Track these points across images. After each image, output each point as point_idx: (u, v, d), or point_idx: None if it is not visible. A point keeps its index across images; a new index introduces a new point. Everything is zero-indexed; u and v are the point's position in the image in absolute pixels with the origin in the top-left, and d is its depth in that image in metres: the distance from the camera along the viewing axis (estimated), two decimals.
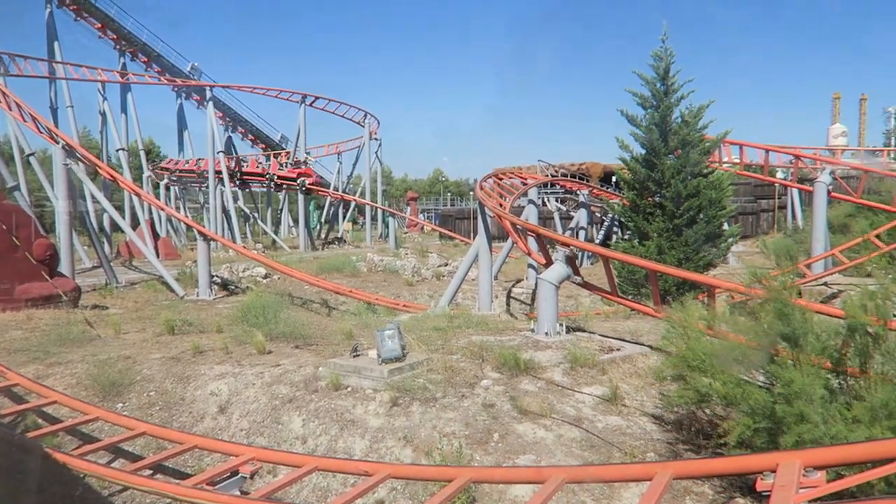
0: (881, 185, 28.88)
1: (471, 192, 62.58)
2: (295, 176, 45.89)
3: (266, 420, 9.15)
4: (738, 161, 30.88)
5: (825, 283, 22.28)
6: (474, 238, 22.02)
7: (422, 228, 61.21)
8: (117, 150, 45.58)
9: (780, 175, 35.71)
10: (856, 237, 22.98)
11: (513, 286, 25.40)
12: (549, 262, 12.69)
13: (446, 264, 31.02)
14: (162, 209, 35.64)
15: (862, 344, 6.25)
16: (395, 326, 9.78)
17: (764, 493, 4.04)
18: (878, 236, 20.95)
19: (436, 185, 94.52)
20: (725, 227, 20.06)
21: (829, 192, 25.13)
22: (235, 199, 48.34)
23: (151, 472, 8.15)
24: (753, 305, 7.20)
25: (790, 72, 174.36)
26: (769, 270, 7.08)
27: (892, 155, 46.96)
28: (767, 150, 29.73)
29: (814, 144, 52.59)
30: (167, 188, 49.78)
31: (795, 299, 6.53)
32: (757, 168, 31.66)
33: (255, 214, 54.34)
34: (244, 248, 29.40)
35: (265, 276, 25.74)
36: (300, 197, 45.78)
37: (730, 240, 19.11)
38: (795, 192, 35.57)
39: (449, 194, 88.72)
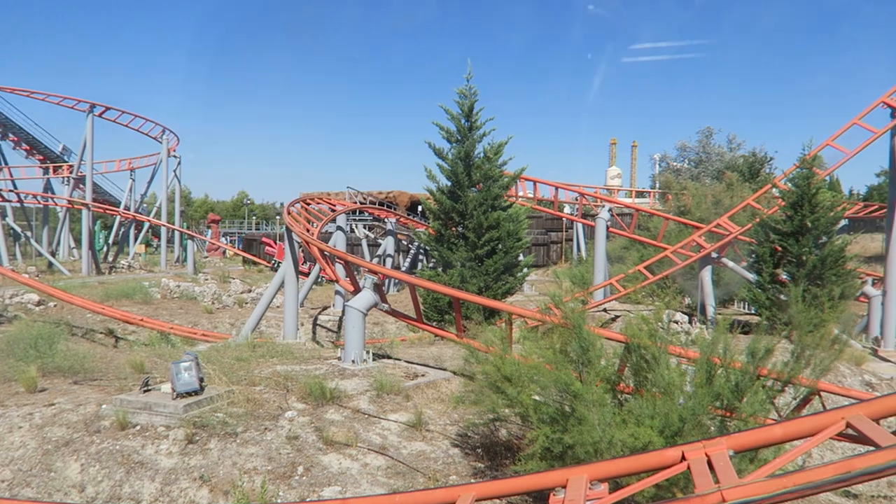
0: (649, 222, 32.90)
1: (277, 217, 60.91)
2: None
3: (35, 468, 8.01)
4: (532, 196, 33.42)
5: (604, 310, 24.77)
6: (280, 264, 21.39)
7: (224, 253, 58.18)
8: None
9: (567, 210, 39.23)
10: (629, 268, 25.89)
11: (319, 313, 24.99)
12: (356, 289, 12.69)
13: (250, 290, 29.75)
14: None
15: (636, 362, 7.01)
16: (192, 357, 9.13)
17: None
18: (647, 267, 23.76)
19: (240, 208, 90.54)
20: (521, 257, 21.51)
21: (607, 227, 28.13)
22: (3, 216, 42.29)
23: None
24: (549, 329, 7.77)
25: (575, 114, 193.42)
26: (563, 296, 7.66)
27: (657, 196, 53.69)
28: (557, 188, 32.61)
29: (595, 184, 58.66)
30: None
31: (587, 325, 7.16)
32: (548, 203, 34.52)
33: (29, 233, 47.99)
34: (13, 271, 25.78)
35: (38, 304, 22.77)
36: (84, 214, 41.32)
37: (525, 269, 20.54)
38: (580, 226, 39.25)
39: (254, 218, 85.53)
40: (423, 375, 11.18)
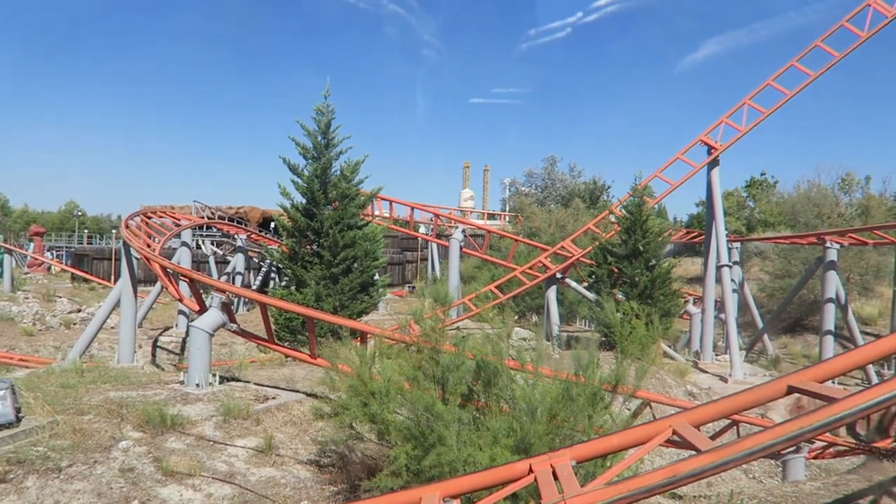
0: (501, 243, 34.24)
1: (113, 230, 56.50)
2: None
3: None
4: (388, 215, 33.63)
5: (458, 328, 25.33)
6: (116, 281, 19.80)
7: (49, 269, 52.79)
8: None
9: (422, 230, 39.86)
10: (481, 287, 26.74)
11: (160, 334, 23.39)
12: (202, 309, 12.02)
13: (79, 310, 27.24)
14: None
15: (485, 379, 7.22)
16: (6, 385, 8.16)
17: None
18: (498, 287, 24.67)
19: (69, 220, 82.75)
20: (377, 276, 21.51)
21: (461, 247, 28.93)
22: None
23: None
24: (405, 348, 7.79)
25: (430, 137, 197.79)
26: (423, 315, 7.74)
27: (508, 218, 56.07)
28: (413, 208, 33.08)
29: (449, 205, 60.20)
30: None
31: (444, 344, 7.26)
32: (404, 223, 34.89)
33: None
34: None
35: None
36: None
37: (381, 289, 20.53)
38: (435, 245, 40.03)
39: (86, 231, 78.56)
40: (273, 398, 10.79)
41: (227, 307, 11.75)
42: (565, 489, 3.96)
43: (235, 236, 33.23)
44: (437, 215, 34.33)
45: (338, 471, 8.38)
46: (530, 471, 4.36)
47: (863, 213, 38.88)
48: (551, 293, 24.06)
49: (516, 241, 30.50)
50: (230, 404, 9.60)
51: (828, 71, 21.07)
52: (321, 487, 7.97)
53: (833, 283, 21.87)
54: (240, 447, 8.67)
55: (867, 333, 26.95)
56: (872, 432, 18.43)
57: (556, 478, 4.20)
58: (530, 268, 25.41)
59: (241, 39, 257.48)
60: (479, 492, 4.63)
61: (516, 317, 22.88)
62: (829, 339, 22.08)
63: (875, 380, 20.77)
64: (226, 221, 39.12)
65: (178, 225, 25.93)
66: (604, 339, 20.55)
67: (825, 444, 13.15)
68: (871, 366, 20.21)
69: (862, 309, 30.71)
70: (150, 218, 24.43)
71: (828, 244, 21.86)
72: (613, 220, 24.51)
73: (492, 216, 61.53)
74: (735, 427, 10.83)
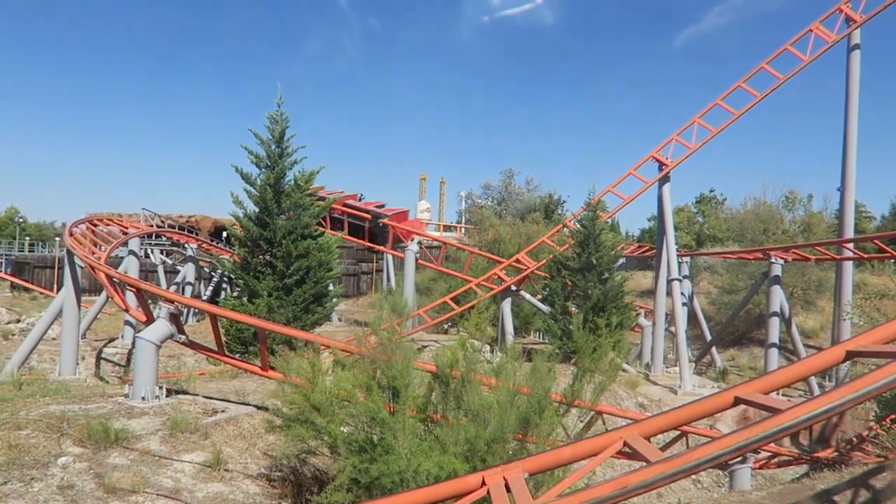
0: (457, 255, 34.29)
1: (57, 238, 54.61)
2: None
3: None
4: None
5: (412, 339, 25.22)
6: (59, 290, 19.10)
7: None
8: None
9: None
10: (437, 299, 26.71)
11: (105, 345, 22.64)
12: (150, 320, 11.68)
13: (19, 320, 26.19)
14: None
15: (444, 390, 7.19)
16: None
17: None
18: (453, 299, 24.67)
19: (9, 227, 79.58)
20: (331, 287, 21.29)
21: (416, 259, 28.86)
22: None
23: None
24: (359, 359, 7.69)
25: (388, 147, 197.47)
26: (380, 326, 7.68)
27: (464, 230, 56.27)
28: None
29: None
30: None
31: (399, 354, 7.20)
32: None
33: None
34: None
35: None
36: None
37: (335, 300, 20.30)
38: (390, 257, 39.84)
39: (28, 238, 75.74)
40: (223, 411, 10.52)
41: (175, 318, 11.44)
42: (518, 501, 3.96)
43: (186, 245, 32.48)
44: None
45: (289, 485, 8.21)
46: (483, 483, 4.35)
47: (805, 230, 40.30)
48: (506, 305, 24.18)
49: (472, 253, 30.60)
50: (177, 418, 9.33)
51: (774, 92, 21.93)
52: (271, 502, 7.80)
53: (777, 298, 22.56)
54: (187, 462, 8.42)
55: (809, 346, 27.88)
56: (814, 442, 19.05)
57: (508, 490, 4.20)
58: (486, 280, 25.50)
59: (195, 40, 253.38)
60: None
61: (472, 329, 22.90)
62: (774, 352, 22.75)
63: (817, 391, 21.48)
64: (176, 230, 38.24)
65: (125, 233, 25.23)
66: (557, 350, 20.75)
67: (770, 454, 13.52)
68: (813, 378, 20.89)
69: (805, 322, 31.76)
70: (96, 226, 23.70)
71: (773, 259, 22.56)
72: (568, 233, 24.84)
73: (448, 228, 61.66)
74: (684, 438, 11.02)
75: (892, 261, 32.37)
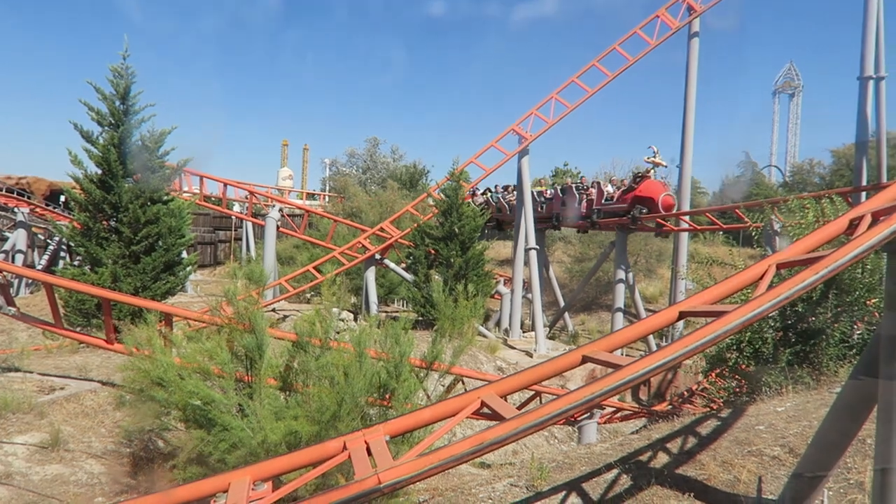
0: (320, 223, 33.67)
1: None
2: None
3: None
4: (198, 191, 31.54)
5: (273, 309, 24.62)
6: None
7: None
8: None
9: (237, 208, 37.91)
10: (299, 268, 26.16)
11: None
12: None
13: None
14: None
15: (302, 361, 7.08)
16: None
17: None
18: (316, 268, 24.26)
19: None
20: (185, 255, 20.16)
21: (277, 227, 28.01)
22: None
23: None
24: (217, 330, 7.37)
25: (247, 111, 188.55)
26: (238, 295, 7.36)
27: (328, 198, 55.29)
28: (226, 184, 31.33)
29: (266, 183, 58.00)
30: None
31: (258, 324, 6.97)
32: (216, 200, 32.99)
33: None
34: None
35: None
36: None
37: (188, 268, 19.24)
38: (250, 225, 38.42)
39: None
40: (62, 388, 9.73)
41: (3, 289, 10.38)
42: (379, 463, 4.00)
43: (16, 209, 29.41)
44: (252, 193, 32.83)
45: (139, 462, 7.79)
46: (344, 448, 4.35)
47: None
48: (370, 274, 24.19)
49: (335, 221, 30.18)
50: (6, 397, 8.51)
51: (624, 72, 23.38)
52: (118, 481, 7.36)
53: (623, 266, 24.32)
54: (19, 444, 7.73)
55: (650, 310, 30.39)
56: (652, 398, 20.91)
57: (370, 453, 4.23)
58: (350, 249, 25.31)
59: None
60: (292, 472, 4.53)
61: (335, 297, 22.71)
62: (619, 316, 24.57)
63: (655, 349, 23.52)
64: (4, 193, 34.44)
65: None
66: (420, 318, 21.11)
67: (614, 409, 14.65)
68: (651, 337, 22.83)
69: (646, 289, 34.55)
70: None
71: (614, 230, 24.31)
72: (432, 203, 25.15)
73: (311, 196, 60.30)
74: (538, 397, 11.68)
75: (721, 232, 35.97)
